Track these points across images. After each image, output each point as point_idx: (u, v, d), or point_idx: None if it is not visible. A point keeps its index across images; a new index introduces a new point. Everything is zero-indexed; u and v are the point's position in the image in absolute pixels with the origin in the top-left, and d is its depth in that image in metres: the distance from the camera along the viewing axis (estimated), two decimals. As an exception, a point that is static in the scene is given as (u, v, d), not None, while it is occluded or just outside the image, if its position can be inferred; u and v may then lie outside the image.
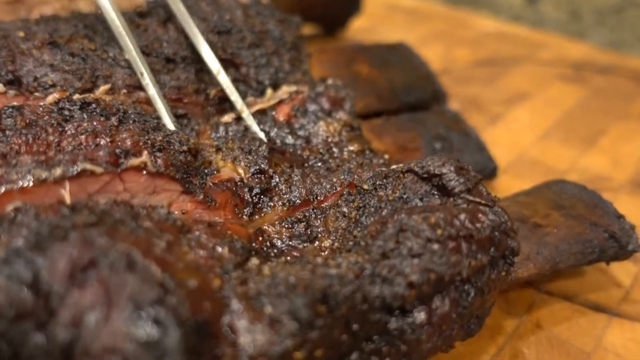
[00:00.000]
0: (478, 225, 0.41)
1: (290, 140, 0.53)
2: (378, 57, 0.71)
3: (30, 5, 0.59)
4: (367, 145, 0.54)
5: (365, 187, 0.45)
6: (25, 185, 0.39)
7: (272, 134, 0.54)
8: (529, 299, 0.53)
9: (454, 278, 0.39)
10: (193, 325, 0.33)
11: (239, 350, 0.34)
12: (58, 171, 0.40)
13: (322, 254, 0.43)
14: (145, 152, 0.44)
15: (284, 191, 0.47)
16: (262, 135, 0.52)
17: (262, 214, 0.46)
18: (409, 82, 0.70)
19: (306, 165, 0.51)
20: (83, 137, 0.44)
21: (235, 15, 0.59)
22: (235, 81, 0.56)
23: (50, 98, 0.48)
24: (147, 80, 0.51)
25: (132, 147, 0.44)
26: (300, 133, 0.54)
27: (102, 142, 0.44)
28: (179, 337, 0.31)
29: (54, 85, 0.49)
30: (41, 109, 0.46)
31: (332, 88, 0.56)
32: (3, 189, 0.39)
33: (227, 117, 0.54)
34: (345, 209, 0.45)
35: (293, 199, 0.47)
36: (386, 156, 0.53)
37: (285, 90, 0.56)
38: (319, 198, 0.47)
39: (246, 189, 0.47)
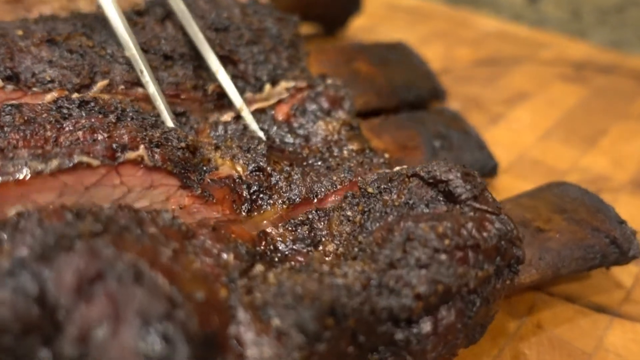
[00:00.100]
0: (485, 234, 0.41)
1: (289, 139, 0.53)
2: (377, 55, 0.71)
3: (30, 4, 0.59)
4: (367, 144, 0.54)
5: (370, 190, 0.45)
6: (21, 177, 0.39)
7: (271, 133, 0.54)
8: (530, 300, 0.53)
9: (461, 289, 0.39)
10: (201, 339, 0.32)
11: None
12: (54, 163, 0.40)
13: (327, 258, 0.42)
14: (142, 146, 0.44)
15: (283, 189, 0.47)
16: (261, 133, 0.52)
17: (262, 212, 0.46)
18: (408, 80, 0.70)
19: (306, 163, 0.51)
20: (80, 132, 0.44)
21: (233, 13, 0.60)
22: (233, 77, 0.56)
23: (49, 97, 0.48)
24: (146, 78, 0.51)
25: (129, 142, 0.44)
26: (300, 132, 0.54)
27: (100, 137, 0.44)
28: (187, 353, 0.31)
29: (52, 81, 0.49)
30: (40, 107, 0.46)
31: (331, 87, 0.56)
32: (-1, 180, 0.39)
33: (227, 116, 0.54)
34: (349, 213, 0.44)
35: (293, 197, 0.47)
36: (386, 155, 0.53)
37: (283, 86, 0.56)
38: (319, 196, 0.47)
39: (244, 186, 0.46)
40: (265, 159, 0.48)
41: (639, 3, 1.03)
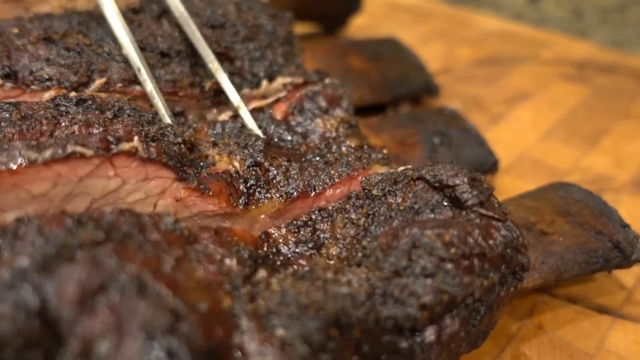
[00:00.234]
0: (491, 242, 0.40)
1: (287, 137, 0.53)
2: (370, 50, 0.71)
3: (29, 4, 0.59)
4: (365, 140, 0.53)
5: (375, 192, 0.44)
6: (15, 167, 0.39)
7: (269, 131, 0.53)
8: (531, 301, 0.52)
9: (466, 298, 0.39)
10: (205, 351, 0.32)
11: None
12: (47, 152, 0.40)
13: (330, 262, 0.42)
14: (136, 137, 0.43)
15: (281, 183, 0.47)
16: (258, 130, 0.52)
17: (259, 205, 0.45)
18: (401, 74, 0.70)
19: (304, 159, 0.50)
20: (76, 126, 0.44)
21: (228, 10, 0.60)
22: (230, 74, 0.56)
23: (47, 95, 0.48)
24: (144, 76, 0.51)
25: (125, 135, 0.43)
26: (298, 130, 0.54)
27: (95, 131, 0.44)
28: None
29: (49, 79, 0.49)
30: (37, 105, 0.46)
31: (329, 86, 0.56)
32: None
33: (224, 116, 0.54)
34: (353, 215, 0.44)
35: (290, 191, 0.46)
36: (385, 151, 0.52)
37: (280, 82, 0.56)
38: (317, 190, 0.47)
39: (241, 180, 0.46)
40: (262, 154, 0.48)
41: (641, 2, 1.03)
